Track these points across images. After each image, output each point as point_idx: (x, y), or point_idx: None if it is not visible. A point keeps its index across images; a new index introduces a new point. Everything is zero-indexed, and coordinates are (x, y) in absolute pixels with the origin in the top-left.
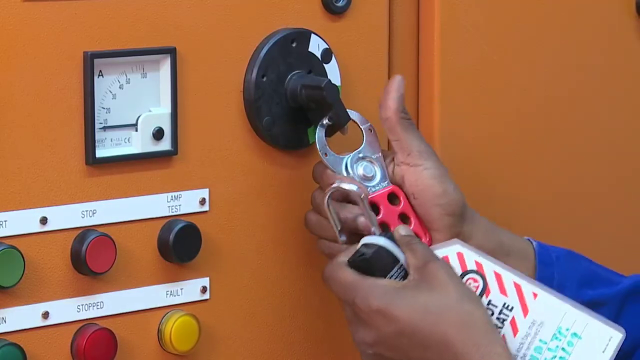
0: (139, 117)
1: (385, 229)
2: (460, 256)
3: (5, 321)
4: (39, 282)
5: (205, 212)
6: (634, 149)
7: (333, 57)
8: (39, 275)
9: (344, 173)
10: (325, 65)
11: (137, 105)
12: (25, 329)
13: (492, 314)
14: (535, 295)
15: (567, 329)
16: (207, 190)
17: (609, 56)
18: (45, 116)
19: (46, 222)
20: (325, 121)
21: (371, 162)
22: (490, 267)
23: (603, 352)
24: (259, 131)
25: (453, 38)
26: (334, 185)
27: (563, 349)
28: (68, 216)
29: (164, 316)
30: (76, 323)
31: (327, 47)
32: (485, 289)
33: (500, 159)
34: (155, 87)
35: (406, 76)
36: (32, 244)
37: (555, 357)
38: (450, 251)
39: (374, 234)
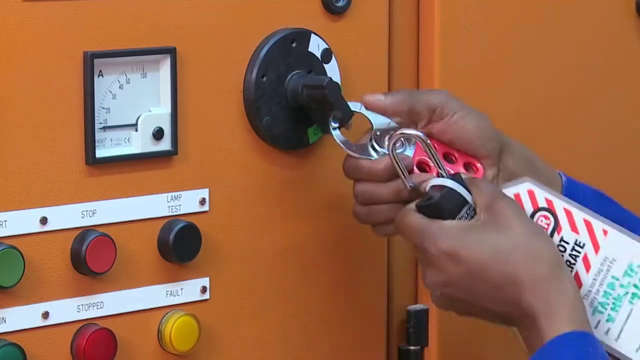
0: (139, 117)
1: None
2: (531, 194)
3: (5, 321)
4: (39, 282)
5: (205, 212)
6: (634, 149)
7: (333, 57)
8: (39, 275)
9: (374, 155)
10: (325, 65)
11: (137, 105)
12: (25, 329)
13: (565, 250)
14: (605, 232)
15: (639, 266)
16: (207, 190)
17: (609, 56)
18: (45, 116)
19: (46, 222)
20: (336, 124)
21: (390, 133)
22: (560, 204)
23: None
24: (259, 131)
25: (453, 38)
26: (398, 132)
27: (635, 285)
28: (68, 216)
29: (163, 316)
30: (76, 323)
31: (327, 47)
32: (557, 227)
33: None
34: (155, 87)
35: (406, 76)
36: (32, 244)
37: (627, 293)
38: (522, 189)
39: (441, 177)
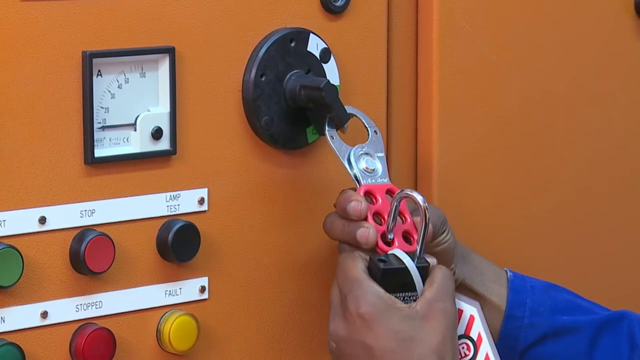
0: (137, 116)
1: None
2: (471, 319)
3: (4, 321)
4: (38, 281)
5: (204, 211)
6: (634, 149)
7: (332, 57)
8: (37, 274)
9: (346, 163)
10: (323, 65)
11: (135, 105)
12: (24, 329)
13: None
14: None
15: None
16: (205, 189)
17: (609, 56)
18: (44, 116)
19: (45, 221)
20: (332, 126)
21: (374, 159)
22: (486, 346)
23: None
24: (258, 131)
25: (451, 38)
26: (402, 193)
27: None
28: (67, 216)
29: (162, 316)
30: (75, 323)
31: (325, 46)
32: None
33: (498, 159)
34: (154, 87)
35: (404, 76)
36: (31, 244)
37: None
38: (466, 309)
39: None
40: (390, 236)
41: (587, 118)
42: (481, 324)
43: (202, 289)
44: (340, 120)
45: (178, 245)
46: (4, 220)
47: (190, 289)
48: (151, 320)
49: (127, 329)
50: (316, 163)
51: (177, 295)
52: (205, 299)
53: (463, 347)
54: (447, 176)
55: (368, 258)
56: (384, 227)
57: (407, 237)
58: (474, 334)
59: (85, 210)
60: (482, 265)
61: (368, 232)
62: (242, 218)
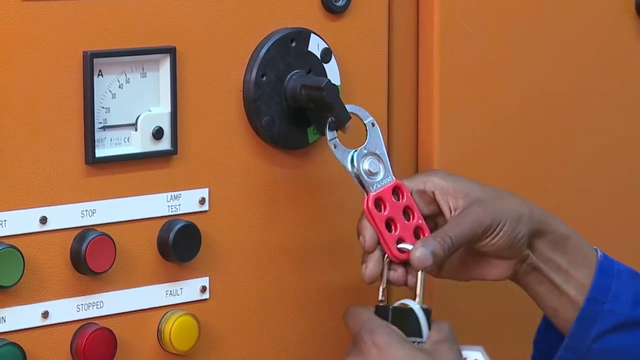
0: (138, 116)
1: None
2: None
3: (5, 321)
4: (39, 281)
5: (205, 211)
6: (634, 149)
7: (332, 57)
8: (38, 274)
9: (349, 166)
10: (324, 65)
11: (136, 105)
12: (24, 329)
13: None
14: None
15: None
16: (206, 189)
17: (609, 56)
18: (45, 116)
19: (46, 221)
20: (332, 127)
21: (376, 157)
22: None
23: None
24: (259, 131)
25: (452, 38)
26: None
27: None
28: (68, 216)
29: (163, 316)
30: (76, 323)
31: (326, 46)
32: None
33: (499, 159)
34: (154, 87)
35: (405, 76)
36: (32, 244)
37: None
38: (470, 355)
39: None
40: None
41: (587, 118)
42: None
43: (203, 289)
44: (340, 121)
45: (179, 245)
46: (4, 220)
47: (191, 289)
48: (152, 320)
49: (128, 329)
50: (317, 163)
51: (178, 295)
52: (206, 299)
53: None
54: None
55: (374, 307)
56: (396, 234)
57: (417, 234)
58: None
59: (86, 210)
60: (573, 244)
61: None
62: (243, 218)
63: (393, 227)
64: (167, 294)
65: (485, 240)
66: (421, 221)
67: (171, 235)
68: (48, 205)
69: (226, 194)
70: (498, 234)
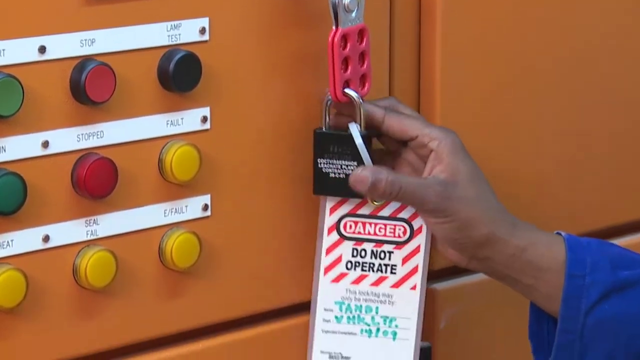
0: None
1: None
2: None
3: (4, 150)
4: (38, 111)
5: (205, 41)
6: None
7: None
8: (38, 104)
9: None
10: None
11: None
12: (25, 158)
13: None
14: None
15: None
16: (206, 19)
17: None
18: None
19: (45, 51)
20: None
21: None
22: (422, 239)
23: None
24: None
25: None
26: None
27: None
28: (67, 45)
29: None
30: (76, 152)
31: None
32: None
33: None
34: None
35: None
36: (31, 73)
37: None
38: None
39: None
40: None
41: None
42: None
43: (204, 119)
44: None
45: (179, 75)
46: (3, 50)
47: (192, 118)
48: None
49: (129, 160)
50: None
51: (178, 125)
52: (207, 130)
53: (400, 229)
54: None
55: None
56: (347, 74)
57: (363, 81)
58: (416, 224)
59: (86, 40)
60: (535, 237)
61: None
62: (244, 47)
63: (345, 68)
64: (167, 123)
65: (431, 220)
66: (369, 70)
67: (171, 65)
68: (47, 34)
69: (226, 24)
70: (443, 224)
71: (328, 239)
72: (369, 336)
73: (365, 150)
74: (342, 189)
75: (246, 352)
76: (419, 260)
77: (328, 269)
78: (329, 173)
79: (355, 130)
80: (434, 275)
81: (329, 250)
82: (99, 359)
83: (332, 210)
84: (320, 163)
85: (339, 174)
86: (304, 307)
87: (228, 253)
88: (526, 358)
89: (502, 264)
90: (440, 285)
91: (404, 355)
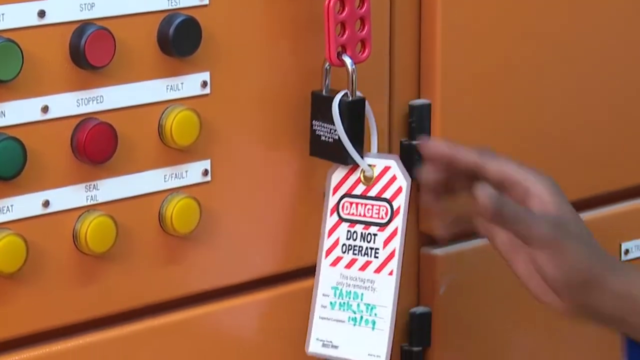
0: None
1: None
2: (399, 189)
3: (4, 115)
4: (38, 76)
5: (205, 5)
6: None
7: None
8: (37, 69)
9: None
10: None
11: None
12: (24, 123)
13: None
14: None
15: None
16: None
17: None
18: None
19: (44, 15)
20: None
21: None
22: (399, 220)
23: None
24: None
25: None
26: None
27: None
28: (66, 9)
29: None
30: (76, 117)
31: None
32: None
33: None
34: None
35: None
36: (30, 37)
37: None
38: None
39: None
40: None
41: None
42: (407, 200)
43: (204, 84)
44: None
45: (179, 39)
46: (2, 14)
47: (192, 83)
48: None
49: (129, 124)
50: None
51: (178, 90)
52: (207, 94)
53: (383, 209)
54: None
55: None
56: (343, 39)
57: (362, 47)
58: (396, 204)
59: (85, 4)
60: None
61: None
62: (244, 14)
63: (342, 32)
64: (167, 88)
65: (542, 255)
66: (369, 35)
67: (171, 30)
68: None
69: None
70: (552, 259)
71: (330, 220)
72: (354, 324)
73: (339, 119)
74: (329, 153)
75: (247, 318)
76: (396, 244)
77: (328, 252)
78: (320, 136)
79: (340, 97)
80: (433, 241)
81: (330, 232)
82: (100, 324)
83: (335, 189)
84: (315, 125)
85: (328, 137)
86: (304, 272)
87: (228, 218)
88: (525, 323)
89: (609, 305)
90: (440, 251)
91: (378, 348)
